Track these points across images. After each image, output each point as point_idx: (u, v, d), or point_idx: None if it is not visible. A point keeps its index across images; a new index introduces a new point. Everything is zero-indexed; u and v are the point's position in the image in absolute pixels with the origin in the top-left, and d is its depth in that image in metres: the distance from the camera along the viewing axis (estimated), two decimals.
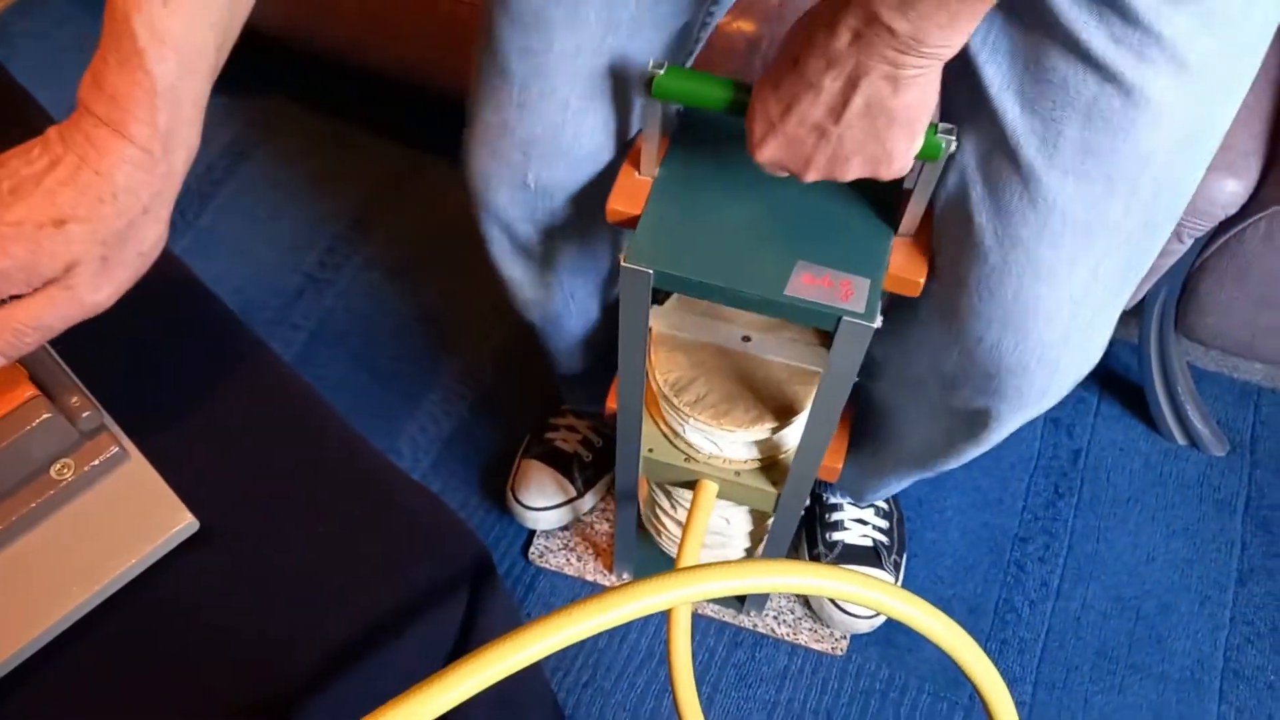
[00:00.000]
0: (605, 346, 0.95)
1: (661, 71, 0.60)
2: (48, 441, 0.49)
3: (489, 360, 1.30)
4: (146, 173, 0.47)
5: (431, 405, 1.26)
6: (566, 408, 1.17)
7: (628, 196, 0.67)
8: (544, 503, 1.12)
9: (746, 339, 0.79)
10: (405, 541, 0.54)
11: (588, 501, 1.14)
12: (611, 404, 0.86)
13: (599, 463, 1.14)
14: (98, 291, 0.48)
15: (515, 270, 0.83)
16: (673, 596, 0.50)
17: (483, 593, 0.56)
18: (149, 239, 0.48)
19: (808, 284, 0.62)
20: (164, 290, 0.62)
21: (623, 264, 0.63)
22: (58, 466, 0.50)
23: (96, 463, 0.50)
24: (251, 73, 1.54)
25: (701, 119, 0.70)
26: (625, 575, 1.11)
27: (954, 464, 0.83)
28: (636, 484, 0.89)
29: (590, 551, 1.14)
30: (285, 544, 0.53)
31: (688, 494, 0.91)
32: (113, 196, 0.46)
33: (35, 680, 0.48)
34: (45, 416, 0.48)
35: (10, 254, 0.45)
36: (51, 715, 0.48)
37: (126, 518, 0.50)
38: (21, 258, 0.45)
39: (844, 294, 0.62)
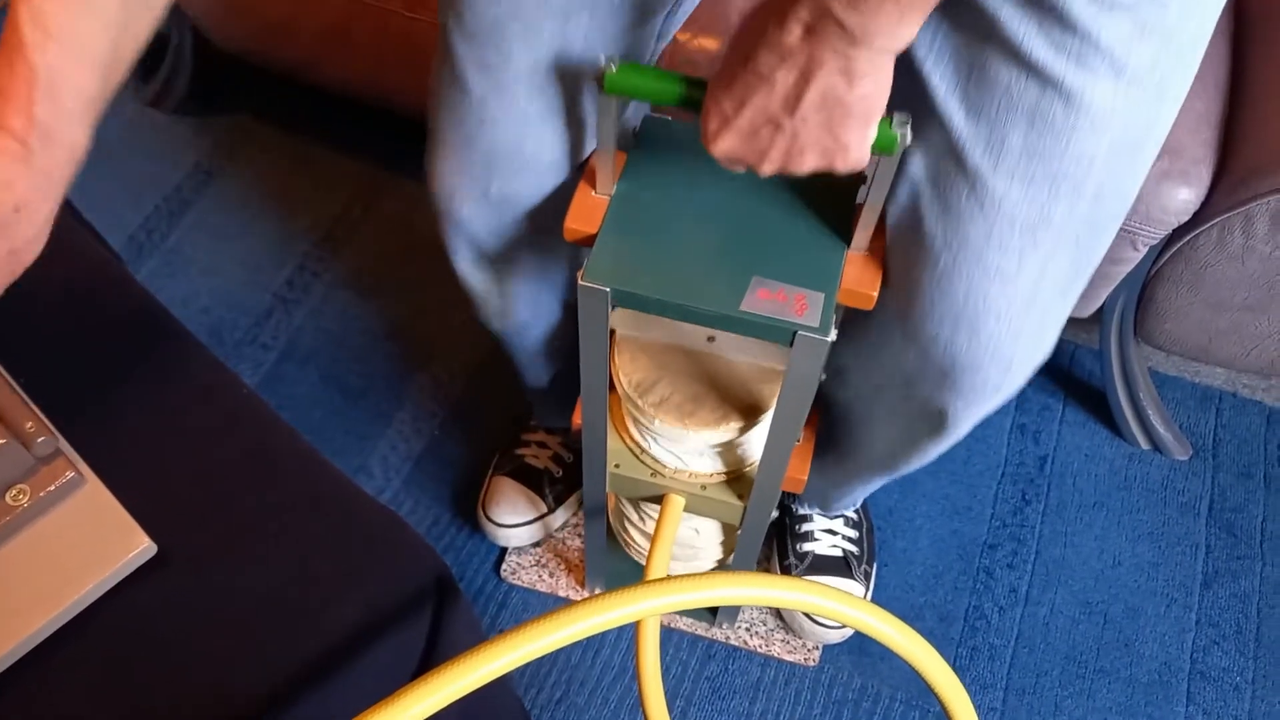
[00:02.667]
0: (571, 357, 0.95)
1: (614, 68, 0.60)
2: (2, 467, 0.49)
3: (459, 377, 1.30)
4: (22, 165, 0.46)
5: (402, 423, 1.26)
6: (537, 424, 1.17)
7: (585, 215, 0.68)
8: (515, 519, 1.12)
9: (710, 339, 0.79)
10: (364, 560, 0.55)
11: (559, 517, 1.15)
12: (578, 419, 0.86)
13: (570, 478, 1.15)
14: None
15: (480, 282, 0.84)
16: (636, 609, 0.51)
17: (445, 610, 0.57)
18: (22, 237, 0.48)
19: (763, 299, 0.63)
20: (122, 313, 0.62)
21: (580, 282, 0.64)
22: (13, 493, 0.50)
23: (52, 488, 0.50)
24: (217, 92, 1.54)
25: (656, 137, 0.71)
26: (598, 590, 1.11)
27: (918, 464, 0.84)
28: (604, 499, 0.90)
29: (563, 568, 1.14)
30: (243, 566, 0.53)
31: (656, 507, 0.91)
32: None
33: None
34: (16, 454, 0.48)
35: None
36: None
37: (83, 543, 0.50)
38: None
39: (799, 309, 0.62)
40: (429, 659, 0.58)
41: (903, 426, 0.79)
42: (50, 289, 0.55)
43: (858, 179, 0.67)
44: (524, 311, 0.87)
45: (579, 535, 1.16)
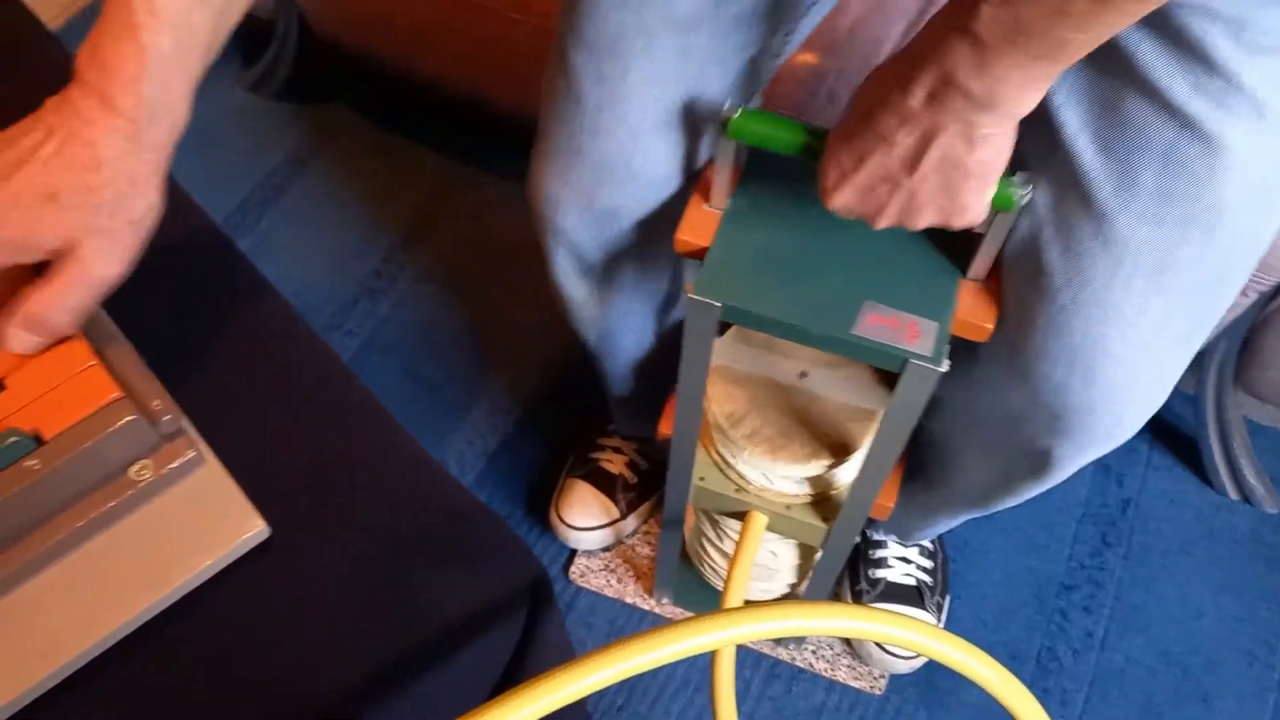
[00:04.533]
0: (658, 369, 0.95)
1: (737, 114, 0.60)
2: (129, 443, 0.50)
3: (536, 377, 1.30)
4: (132, 141, 0.48)
5: (477, 420, 1.27)
6: (614, 429, 1.17)
7: (697, 228, 0.67)
8: (587, 523, 1.12)
9: (803, 375, 0.79)
10: (465, 558, 0.55)
11: (630, 524, 1.14)
12: (664, 429, 0.86)
13: (643, 486, 1.15)
14: (106, 264, 0.49)
15: (576, 290, 0.84)
16: (736, 633, 0.50)
17: (539, 614, 0.57)
18: (139, 208, 0.50)
19: (875, 324, 0.62)
20: (233, 293, 0.63)
21: (690, 296, 0.63)
22: (136, 468, 0.51)
23: (174, 466, 0.51)
24: (314, 81, 1.56)
25: (773, 155, 0.70)
26: (665, 600, 1.11)
27: (1010, 503, 0.82)
28: (684, 511, 0.89)
29: (631, 574, 1.14)
30: (347, 555, 0.53)
31: (734, 523, 0.90)
32: (98, 167, 0.48)
33: (96, 682, 0.49)
34: (129, 419, 0.49)
35: (8, 223, 0.47)
36: (111, 717, 0.48)
37: (200, 521, 0.51)
38: (19, 228, 0.47)
39: (910, 335, 0.62)
40: (519, 662, 0.58)
41: (1001, 464, 0.77)
42: (165, 264, 0.56)
43: None
44: (617, 322, 0.87)
45: (648, 544, 1.16)
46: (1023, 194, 0.57)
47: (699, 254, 0.66)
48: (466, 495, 0.57)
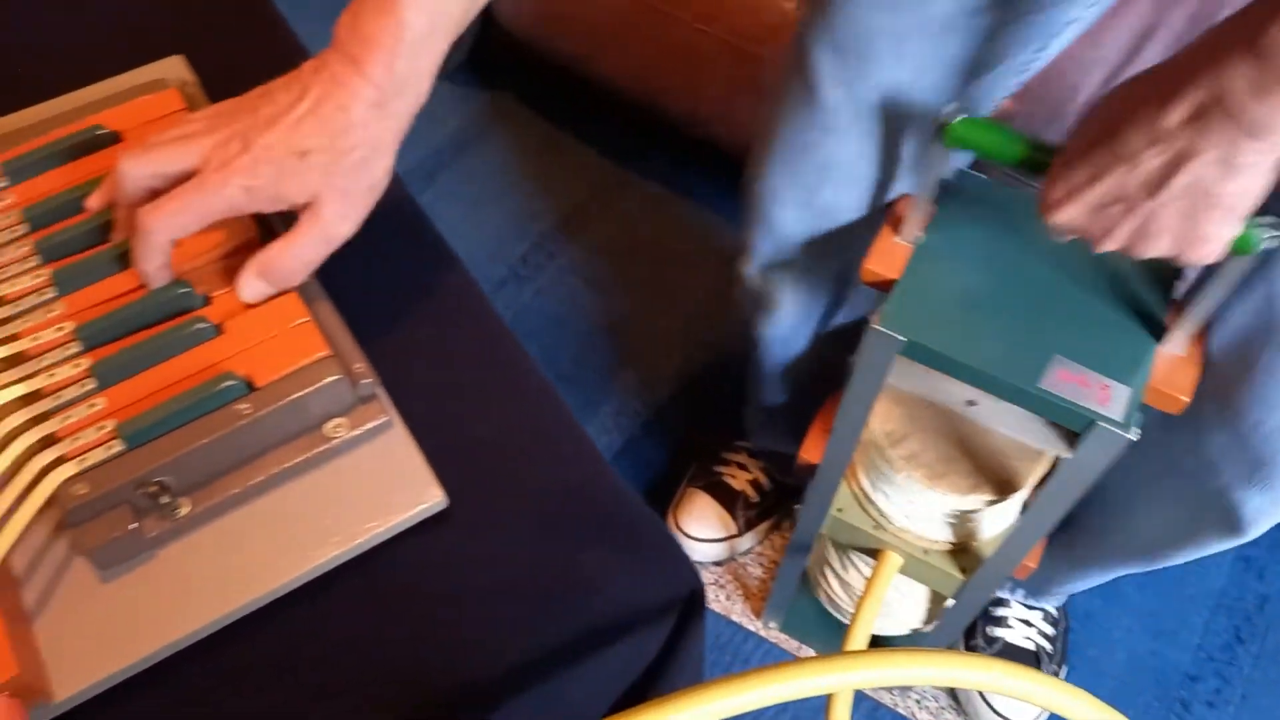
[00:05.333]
0: (811, 382, 0.94)
1: (957, 119, 0.58)
2: (330, 400, 0.52)
3: (667, 382, 1.31)
4: (378, 110, 0.50)
5: (606, 417, 1.28)
6: (741, 444, 1.16)
7: (886, 259, 0.66)
8: (705, 534, 1.12)
9: (971, 403, 0.77)
10: (626, 558, 0.55)
11: (746, 542, 1.14)
12: (807, 455, 0.85)
13: (764, 506, 1.14)
14: (341, 223, 0.52)
15: (765, 285, 0.85)
16: (875, 676, 0.49)
17: (688, 625, 0.57)
18: (377, 172, 0.52)
19: (1064, 380, 0.60)
20: (424, 265, 0.65)
21: (874, 326, 0.63)
22: (332, 424, 0.53)
23: (367, 427, 0.53)
24: (489, 66, 1.60)
25: (969, 192, 0.69)
26: (773, 624, 1.10)
27: (1185, 558, 0.78)
28: (815, 539, 0.88)
29: (740, 593, 1.13)
30: (515, 537, 0.54)
31: (862, 557, 0.89)
32: (347, 130, 0.50)
33: (257, 629, 0.50)
34: (334, 378, 0.51)
35: (260, 174, 0.49)
36: (269, 667, 0.50)
37: (383, 484, 0.52)
38: (268, 179, 0.50)
39: (1101, 398, 0.60)
40: (656, 671, 0.58)
41: (1182, 516, 0.73)
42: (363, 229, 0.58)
43: (1177, 269, 0.63)
44: (788, 323, 0.87)
45: (760, 565, 1.15)
46: (1269, 237, 0.54)
47: (885, 286, 0.66)
48: (633, 495, 0.57)
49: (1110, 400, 0.59)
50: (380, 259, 0.64)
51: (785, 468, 1.12)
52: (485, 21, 1.51)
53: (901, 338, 0.62)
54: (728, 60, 1.15)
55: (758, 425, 1.10)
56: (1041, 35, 0.65)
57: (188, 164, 0.51)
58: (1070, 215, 0.54)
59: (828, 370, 0.90)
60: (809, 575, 1.01)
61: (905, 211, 0.66)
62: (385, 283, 0.63)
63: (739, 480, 1.14)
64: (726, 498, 1.13)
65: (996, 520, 0.78)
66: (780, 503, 1.15)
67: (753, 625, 1.11)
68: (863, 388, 0.68)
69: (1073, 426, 0.60)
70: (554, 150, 1.54)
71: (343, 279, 0.59)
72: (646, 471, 1.23)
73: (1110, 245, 0.54)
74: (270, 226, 0.56)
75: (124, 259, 0.54)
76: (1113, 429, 0.58)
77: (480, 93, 1.61)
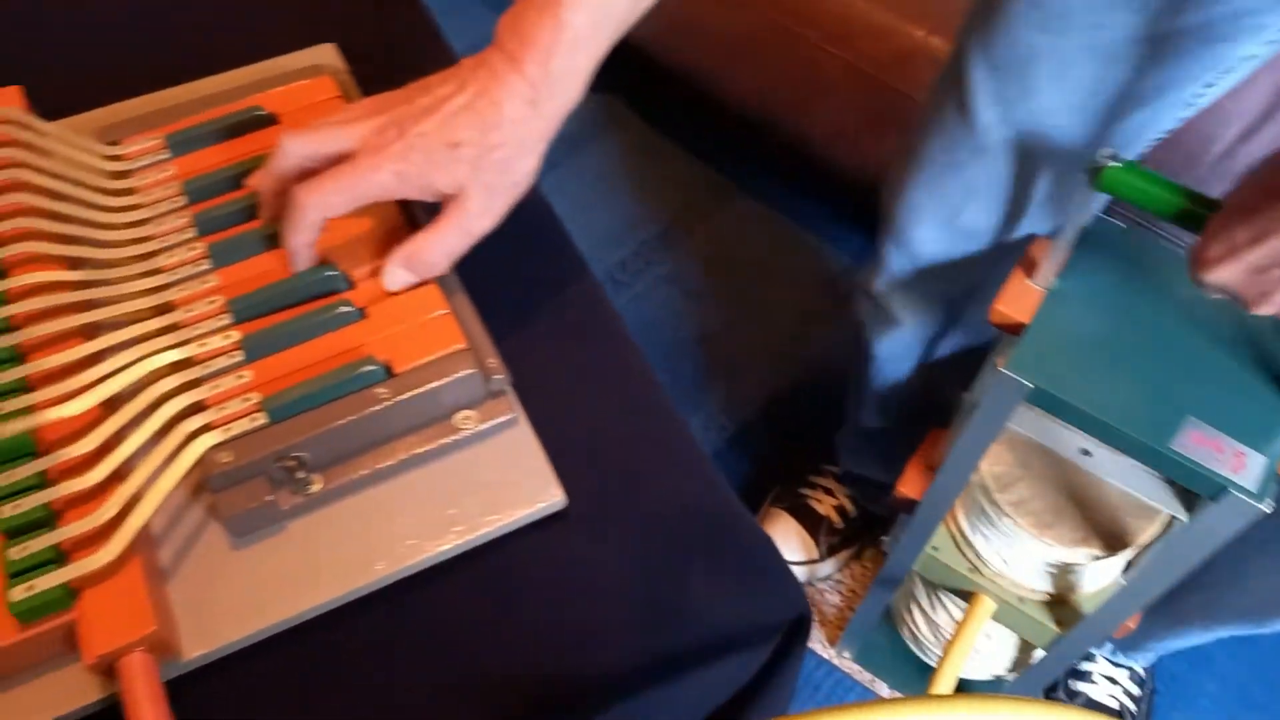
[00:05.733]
0: (911, 409, 0.93)
1: (1113, 164, 0.57)
2: (463, 392, 0.53)
3: (756, 399, 1.31)
4: (531, 108, 0.51)
5: (693, 429, 1.27)
6: (829, 468, 1.16)
7: (1017, 303, 0.65)
8: (786, 556, 1.11)
9: (1086, 453, 0.75)
10: (736, 576, 0.55)
11: (826, 568, 1.13)
12: (905, 489, 0.84)
13: (848, 533, 1.13)
14: (483, 216, 0.53)
15: (889, 303, 0.84)
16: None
17: (790, 650, 0.56)
18: (522, 170, 0.53)
19: (1196, 443, 0.59)
20: (551, 264, 0.66)
21: (1001, 370, 0.62)
22: (461, 416, 0.54)
23: (494, 422, 0.54)
24: (600, 69, 1.61)
25: (1106, 240, 0.67)
26: (846, 654, 1.09)
27: None
28: (906, 574, 0.87)
29: (815, 618, 1.12)
30: (628, 545, 0.54)
31: (951, 598, 0.88)
32: (498, 126, 0.51)
33: (373, 609, 0.51)
34: (469, 371, 0.52)
35: (411, 160, 0.51)
36: (381, 647, 0.51)
37: (505, 480, 0.53)
38: (418, 166, 0.51)
39: (1235, 465, 0.58)
40: (751, 692, 0.58)
41: None
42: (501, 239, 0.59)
43: None
44: (904, 347, 0.86)
45: (839, 592, 1.14)
46: None
47: (1014, 329, 0.65)
48: (748, 514, 0.57)
49: (1244, 468, 0.58)
50: (513, 257, 0.65)
51: (872, 496, 1.11)
52: None
53: (1029, 384, 0.61)
54: (850, 85, 1.14)
55: (850, 450, 1.09)
56: (1213, 69, 0.63)
57: (344, 146, 0.52)
58: (1227, 275, 0.53)
59: (931, 398, 0.89)
60: (893, 609, 0.99)
61: (1040, 255, 0.65)
62: (517, 281, 0.64)
63: (824, 505, 1.13)
64: (810, 521, 1.12)
65: (1099, 576, 0.76)
66: (864, 532, 1.14)
67: (826, 652, 1.10)
68: (981, 431, 0.67)
69: (1201, 492, 0.59)
70: (661, 158, 1.55)
71: (476, 273, 0.60)
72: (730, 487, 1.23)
73: (1267, 309, 0.53)
74: (414, 218, 0.58)
75: (275, 239, 0.56)
76: (1245, 499, 0.57)
77: (593, 94, 1.62)
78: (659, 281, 1.41)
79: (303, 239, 0.53)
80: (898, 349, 0.88)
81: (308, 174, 0.54)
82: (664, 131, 1.58)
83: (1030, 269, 0.66)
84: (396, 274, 0.54)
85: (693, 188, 1.52)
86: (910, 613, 0.94)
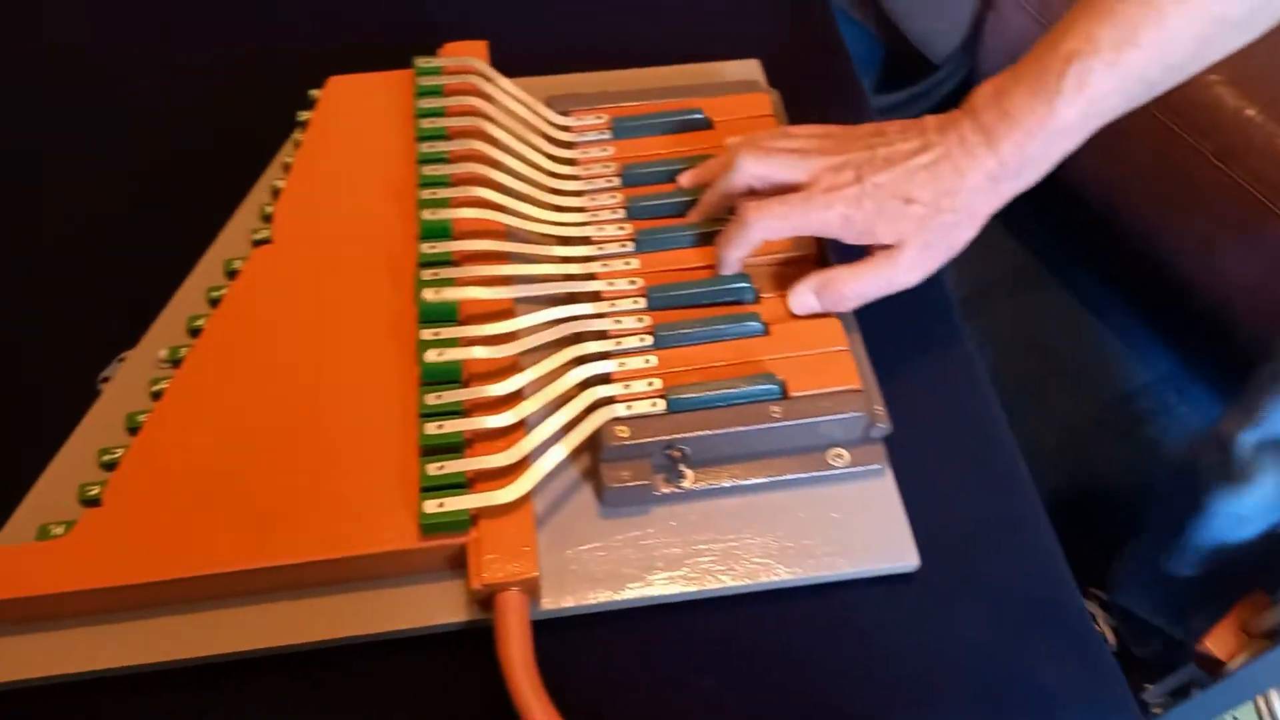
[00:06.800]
0: (1238, 568, 0.86)
1: None
2: (843, 430, 0.53)
3: (1040, 493, 1.24)
4: (992, 183, 0.51)
5: None
6: (1096, 592, 1.09)
7: None
8: None
9: None
10: (1082, 680, 0.52)
11: None
12: (1213, 647, 0.78)
13: None
14: (911, 272, 0.53)
15: (1255, 460, 0.77)
16: None
17: None
18: (962, 239, 0.53)
19: None
20: (925, 319, 0.65)
21: None
22: (834, 453, 0.54)
23: (865, 467, 0.54)
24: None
25: None
26: None
27: None
28: None
29: None
30: (970, 620, 0.53)
31: None
32: (955, 193, 0.51)
33: (701, 614, 0.52)
34: (858, 413, 0.52)
35: (863, 208, 0.51)
36: (700, 653, 0.51)
37: (862, 527, 0.53)
38: (867, 214, 0.52)
39: None
40: None
41: None
42: None
43: None
44: (1252, 509, 0.80)
45: None
46: None
47: None
48: (1089, 612, 0.55)
49: None
50: (897, 314, 0.64)
51: (1142, 639, 1.03)
52: (958, 85, 1.50)
53: None
54: (1235, 205, 1.07)
55: (1133, 586, 1.02)
56: None
57: (795, 177, 0.54)
58: None
59: (1270, 560, 0.82)
60: None
61: None
62: (894, 337, 0.63)
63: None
64: None
65: None
66: (1124, 666, 1.06)
67: None
68: None
69: None
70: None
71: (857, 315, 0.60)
72: None
73: None
74: (824, 252, 0.59)
75: (699, 238, 0.58)
76: None
77: None
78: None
79: (738, 253, 0.55)
80: (1247, 511, 0.81)
81: (752, 191, 0.55)
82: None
83: None
84: (806, 298, 0.55)
85: (1006, 263, 1.46)
86: None
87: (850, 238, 0.53)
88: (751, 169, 0.54)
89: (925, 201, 0.51)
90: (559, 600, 0.50)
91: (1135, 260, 1.30)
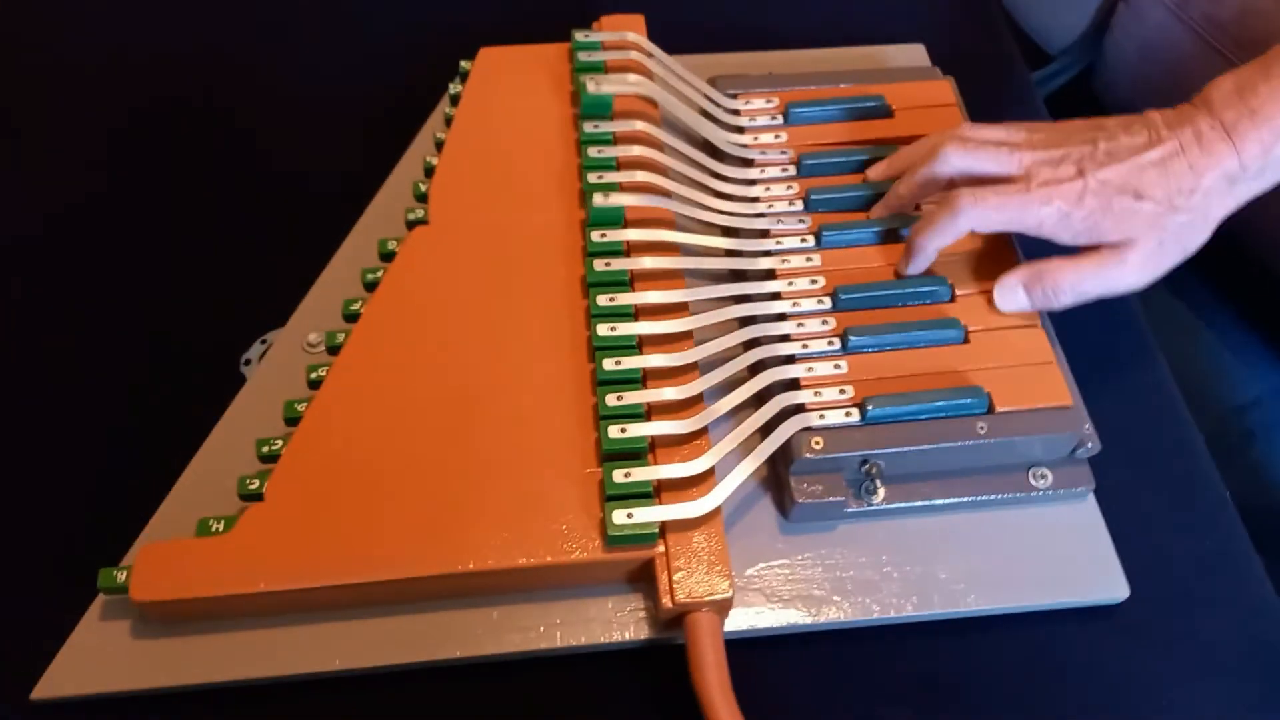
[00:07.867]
0: None
1: None
2: (1050, 450, 0.49)
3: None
4: (1230, 185, 0.47)
5: None
6: None
7: None
8: None
9: None
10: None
11: None
12: None
13: None
14: (1139, 274, 0.49)
15: None
16: None
17: None
18: (1196, 241, 0.49)
19: None
20: (1133, 359, 0.60)
21: None
22: (1036, 473, 0.50)
23: (1070, 490, 0.50)
24: None
25: None
26: None
27: None
28: None
29: None
30: (1177, 662, 0.49)
31: None
32: (1190, 193, 0.47)
33: (878, 640, 0.49)
34: (1070, 432, 0.48)
35: (1085, 204, 0.48)
36: (879, 681, 0.48)
37: (1065, 554, 0.49)
38: (1089, 211, 0.48)
39: None
40: None
41: None
42: None
43: None
44: None
45: None
46: None
47: None
48: None
49: None
50: (1095, 333, 0.59)
51: None
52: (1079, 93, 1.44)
53: None
54: None
55: None
56: None
57: (1005, 170, 0.50)
58: None
59: None
60: None
61: None
62: (1093, 357, 0.58)
63: None
64: None
65: None
66: None
67: None
68: None
69: None
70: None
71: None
72: None
73: None
74: (1018, 254, 0.54)
75: (884, 235, 0.54)
76: None
77: None
78: None
79: (939, 242, 0.51)
80: None
81: (952, 182, 0.51)
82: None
83: None
84: (1016, 293, 0.51)
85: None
86: None
87: (1065, 237, 0.49)
88: (957, 161, 0.50)
89: (1158, 199, 0.47)
90: (747, 621, 0.47)
91: (1249, 268, 1.24)
